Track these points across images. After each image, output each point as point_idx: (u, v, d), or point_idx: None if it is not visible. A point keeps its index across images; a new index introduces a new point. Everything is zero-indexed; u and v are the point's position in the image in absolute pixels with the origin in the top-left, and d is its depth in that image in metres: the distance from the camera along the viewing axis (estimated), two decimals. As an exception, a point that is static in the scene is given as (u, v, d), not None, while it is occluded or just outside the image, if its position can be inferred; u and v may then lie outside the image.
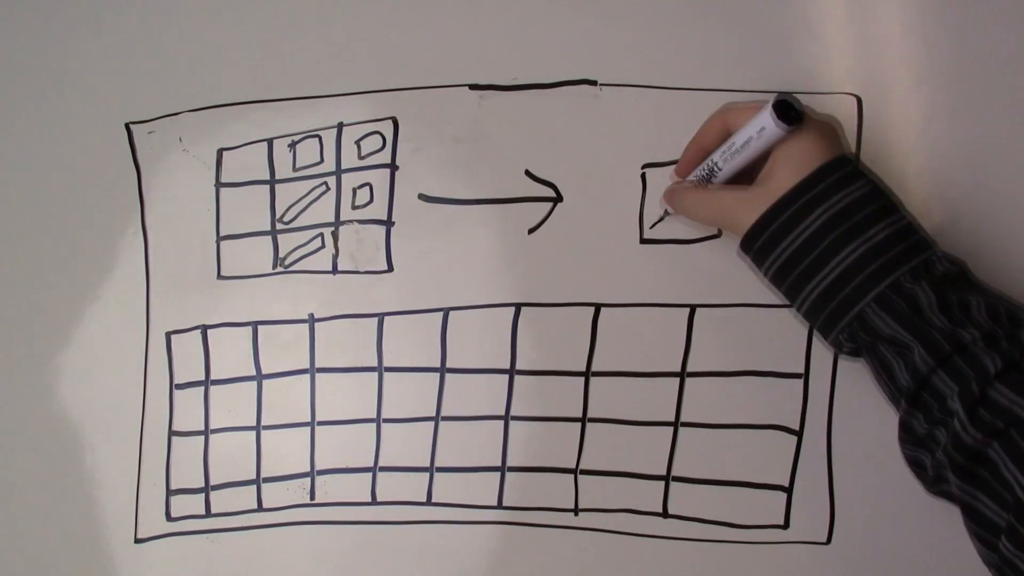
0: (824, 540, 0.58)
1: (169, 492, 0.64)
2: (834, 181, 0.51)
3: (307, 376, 0.63)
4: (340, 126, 0.65)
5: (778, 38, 0.60)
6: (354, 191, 0.64)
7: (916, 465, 0.52)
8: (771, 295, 0.58)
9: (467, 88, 0.63)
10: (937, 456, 0.49)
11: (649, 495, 0.60)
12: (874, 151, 0.58)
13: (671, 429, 0.60)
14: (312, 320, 0.64)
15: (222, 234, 0.65)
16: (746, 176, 0.56)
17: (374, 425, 0.62)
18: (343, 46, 0.65)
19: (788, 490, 0.58)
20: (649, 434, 0.60)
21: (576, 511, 0.61)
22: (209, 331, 0.65)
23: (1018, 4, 0.58)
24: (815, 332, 0.55)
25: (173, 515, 0.64)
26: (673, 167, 0.60)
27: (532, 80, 0.63)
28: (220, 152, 0.66)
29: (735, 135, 0.54)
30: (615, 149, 0.61)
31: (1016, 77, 0.57)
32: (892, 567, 0.57)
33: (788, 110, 0.51)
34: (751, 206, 0.53)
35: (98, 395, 0.66)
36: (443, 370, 0.62)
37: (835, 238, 0.51)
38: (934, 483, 0.51)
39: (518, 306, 0.61)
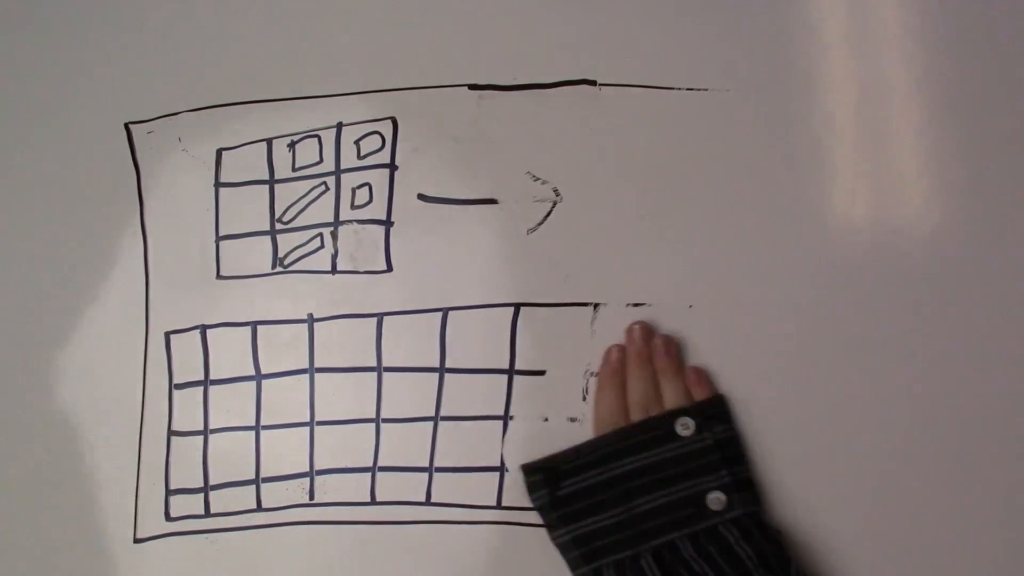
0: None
1: (168, 492, 0.64)
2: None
3: (306, 376, 0.63)
4: (339, 126, 0.65)
5: (778, 38, 0.60)
6: (353, 191, 0.64)
7: None
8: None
9: (467, 88, 0.63)
10: None
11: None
12: (874, 151, 0.58)
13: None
14: (311, 320, 0.64)
15: (221, 234, 0.65)
16: None
17: (373, 425, 0.62)
18: (343, 46, 0.65)
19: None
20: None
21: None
22: (208, 331, 0.65)
23: (1018, 4, 0.58)
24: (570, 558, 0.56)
25: (172, 515, 0.64)
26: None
27: (532, 80, 0.63)
28: (220, 152, 0.66)
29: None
30: (615, 149, 0.61)
31: (1016, 77, 0.57)
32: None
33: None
34: None
35: (98, 395, 0.66)
36: (442, 370, 0.62)
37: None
38: None
39: (517, 306, 0.61)
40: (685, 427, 0.55)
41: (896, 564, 0.55)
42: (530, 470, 0.58)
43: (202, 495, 0.64)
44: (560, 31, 0.62)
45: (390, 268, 0.63)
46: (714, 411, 0.56)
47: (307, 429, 0.63)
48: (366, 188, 0.64)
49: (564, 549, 0.56)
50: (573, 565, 0.56)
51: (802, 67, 0.60)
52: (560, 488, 0.56)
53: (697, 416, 0.55)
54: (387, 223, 0.63)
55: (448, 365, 0.62)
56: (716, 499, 0.54)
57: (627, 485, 0.55)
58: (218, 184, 0.66)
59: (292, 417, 0.63)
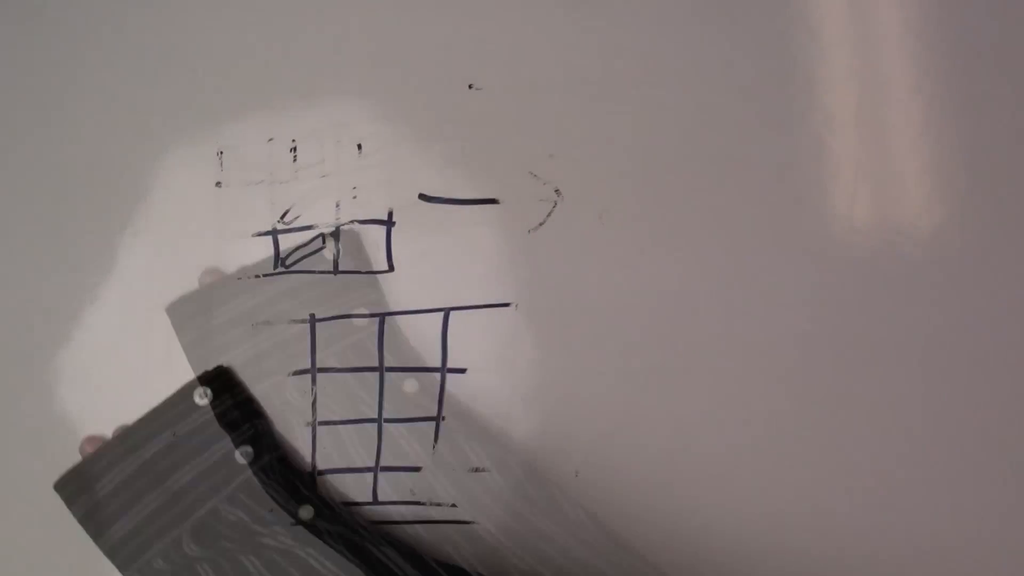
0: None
1: (169, 493, 0.64)
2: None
3: (307, 377, 0.63)
4: (340, 126, 0.65)
5: (778, 38, 0.60)
6: (355, 190, 0.64)
7: None
8: (771, 295, 0.58)
9: (468, 88, 0.63)
10: None
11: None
12: (874, 151, 0.58)
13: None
14: (313, 320, 0.64)
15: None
16: None
17: (375, 425, 0.62)
18: (343, 46, 0.65)
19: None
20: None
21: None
22: (209, 331, 0.65)
23: (1018, 4, 0.58)
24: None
25: (173, 516, 0.64)
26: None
27: (533, 80, 0.63)
28: (220, 152, 0.66)
29: None
30: (615, 149, 0.61)
31: (1016, 77, 0.57)
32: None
33: None
34: None
35: (98, 395, 0.65)
36: (443, 370, 0.62)
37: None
38: None
39: (518, 306, 0.62)
40: (202, 396, 0.58)
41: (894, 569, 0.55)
42: (61, 485, 0.59)
43: (203, 495, 0.64)
44: (560, 31, 0.62)
45: (391, 268, 0.63)
46: (222, 378, 0.59)
47: (308, 429, 0.63)
48: (367, 188, 0.64)
49: (113, 555, 0.56)
50: (122, 567, 0.56)
51: (802, 67, 0.60)
52: (97, 490, 0.57)
53: (210, 383, 0.58)
54: (388, 223, 0.63)
55: (449, 365, 0.62)
56: (244, 452, 0.56)
57: (159, 466, 0.56)
58: (219, 184, 0.66)
59: (293, 417, 0.63)
